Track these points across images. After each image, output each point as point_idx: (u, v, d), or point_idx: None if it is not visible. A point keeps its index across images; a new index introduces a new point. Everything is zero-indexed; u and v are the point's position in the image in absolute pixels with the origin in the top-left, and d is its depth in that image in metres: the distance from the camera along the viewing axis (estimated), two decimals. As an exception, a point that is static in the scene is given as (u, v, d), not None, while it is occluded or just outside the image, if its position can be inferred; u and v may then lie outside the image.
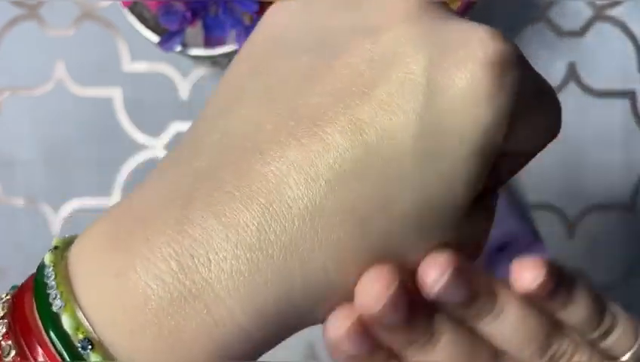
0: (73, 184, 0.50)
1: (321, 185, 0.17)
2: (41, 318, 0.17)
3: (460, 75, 0.17)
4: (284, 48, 0.19)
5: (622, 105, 0.49)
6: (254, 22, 0.41)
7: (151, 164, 0.50)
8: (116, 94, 0.50)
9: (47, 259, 0.19)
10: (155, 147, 0.50)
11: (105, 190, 0.50)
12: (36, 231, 0.50)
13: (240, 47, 0.41)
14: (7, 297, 0.19)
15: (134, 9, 0.43)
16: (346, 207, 0.17)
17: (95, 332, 0.17)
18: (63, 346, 0.17)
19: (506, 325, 0.19)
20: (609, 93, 0.49)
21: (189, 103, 0.50)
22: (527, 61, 0.18)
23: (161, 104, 0.50)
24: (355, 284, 0.17)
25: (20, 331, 0.17)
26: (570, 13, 0.50)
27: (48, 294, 0.17)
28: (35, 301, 0.18)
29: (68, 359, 0.17)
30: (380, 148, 0.17)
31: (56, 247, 0.19)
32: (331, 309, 0.18)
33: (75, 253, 0.18)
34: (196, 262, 0.17)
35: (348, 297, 0.17)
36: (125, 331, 0.17)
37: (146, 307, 0.17)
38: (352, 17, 0.19)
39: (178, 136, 0.50)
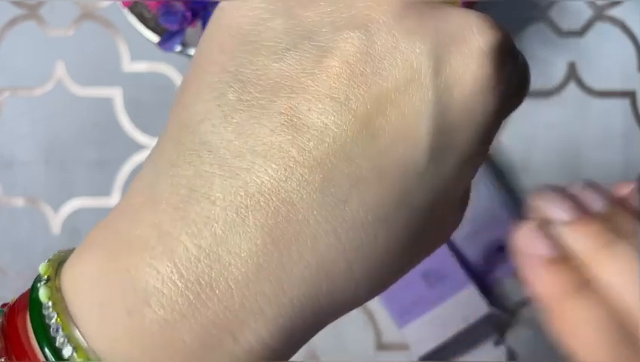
0: (73, 184, 0.50)
1: (338, 196, 0.16)
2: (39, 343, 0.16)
3: (466, 70, 0.17)
4: (260, 46, 0.17)
5: (622, 105, 0.49)
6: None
7: (151, 164, 0.50)
8: (116, 94, 0.50)
9: (43, 294, 0.17)
10: (155, 147, 0.50)
11: (105, 190, 0.50)
12: (36, 231, 0.50)
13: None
14: None
15: (134, 9, 0.43)
16: (368, 210, 0.17)
17: None
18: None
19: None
20: (609, 93, 0.49)
21: (189, 103, 0.50)
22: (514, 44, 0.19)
23: (161, 104, 0.50)
24: (380, 280, 0.18)
25: (13, 349, 0.17)
26: (570, 13, 0.50)
27: (48, 326, 0.16)
28: (33, 329, 0.17)
29: None
30: (395, 151, 0.17)
31: (47, 278, 0.17)
32: (356, 305, 0.18)
33: (71, 285, 0.17)
34: (217, 291, 0.16)
35: (373, 292, 0.18)
36: None
37: (169, 347, 0.16)
38: (330, 10, 0.18)
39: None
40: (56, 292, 0.17)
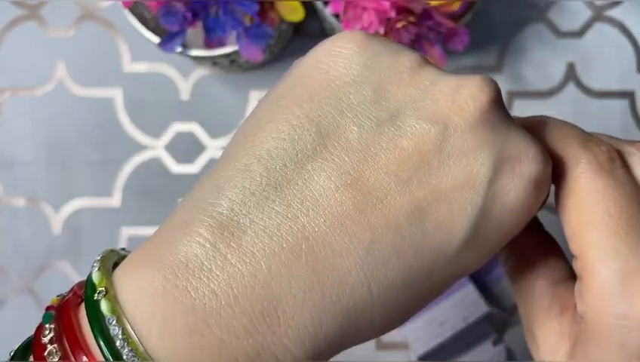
0: (74, 184, 0.50)
1: (379, 258, 0.18)
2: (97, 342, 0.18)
3: (512, 189, 0.20)
4: (346, 107, 0.19)
5: (621, 106, 0.49)
6: (254, 22, 0.41)
7: (152, 164, 0.50)
8: (117, 94, 0.50)
9: (106, 308, 0.18)
10: (156, 147, 0.50)
11: (106, 190, 0.50)
12: (37, 231, 0.50)
13: (241, 48, 0.41)
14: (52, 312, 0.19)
15: (135, 9, 0.44)
16: (398, 276, 0.19)
17: None
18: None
19: None
20: (608, 93, 0.49)
21: (190, 104, 0.50)
22: None
23: (162, 104, 0.50)
24: (391, 327, 0.20)
25: (68, 340, 0.18)
26: (570, 14, 0.50)
27: (112, 337, 0.17)
28: (96, 335, 0.18)
29: None
30: (435, 237, 0.19)
31: (101, 291, 0.18)
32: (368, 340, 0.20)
33: (129, 298, 0.18)
34: (266, 319, 0.18)
35: (384, 333, 0.20)
36: None
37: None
38: (417, 97, 0.20)
39: (179, 137, 0.50)
40: (117, 305, 0.18)
